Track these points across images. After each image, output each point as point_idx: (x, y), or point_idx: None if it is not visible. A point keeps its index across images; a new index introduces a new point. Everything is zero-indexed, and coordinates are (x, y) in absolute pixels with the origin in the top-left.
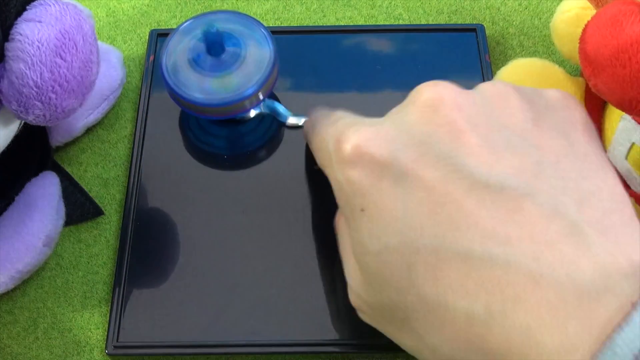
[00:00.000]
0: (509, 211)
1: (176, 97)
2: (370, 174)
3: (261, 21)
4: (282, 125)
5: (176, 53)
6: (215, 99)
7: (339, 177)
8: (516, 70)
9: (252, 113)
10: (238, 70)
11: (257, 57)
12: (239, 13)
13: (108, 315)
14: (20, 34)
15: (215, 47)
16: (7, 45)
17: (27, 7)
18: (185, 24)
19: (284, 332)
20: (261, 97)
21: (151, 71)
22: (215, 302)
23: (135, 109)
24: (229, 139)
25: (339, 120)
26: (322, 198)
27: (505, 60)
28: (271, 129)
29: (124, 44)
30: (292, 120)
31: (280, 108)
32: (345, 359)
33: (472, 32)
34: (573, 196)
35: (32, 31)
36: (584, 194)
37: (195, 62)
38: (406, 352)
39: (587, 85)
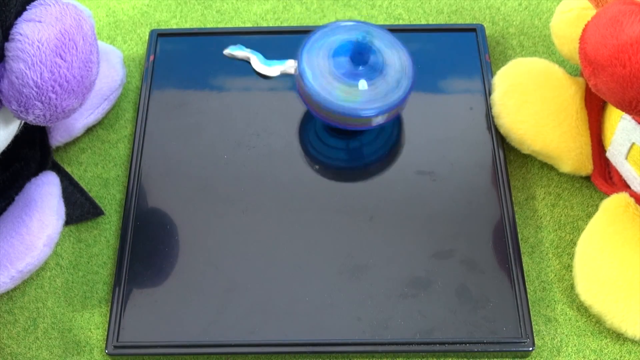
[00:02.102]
0: None
1: (305, 94)
2: None
3: (261, 21)
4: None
5: (319, 50)
6: (337, 105)
7: None
8: (516, 70)
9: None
10: (371, 87)
11: (392, 80)
12: (392, 33)
13: (108, 315)
14: (20, 34)
15: (360, 58)
16: (7, 45)
17: (27, 7)
18: (339, 25)
19: (284, 332)
20: (382, 120)
21: (151, 71)
22: (215, 302)
23: (135, 109)
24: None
25: None
26: (323, 198)
27: (505, 60)
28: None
29: (124, 44)
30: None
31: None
32: (346, 358)
33: (472, 32)
34: None
35: (32, 31)
36: None
37: (334, 64)
38: (406, 352)
39: (587, 85)
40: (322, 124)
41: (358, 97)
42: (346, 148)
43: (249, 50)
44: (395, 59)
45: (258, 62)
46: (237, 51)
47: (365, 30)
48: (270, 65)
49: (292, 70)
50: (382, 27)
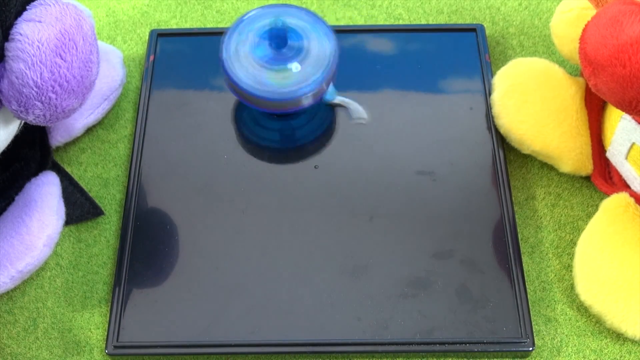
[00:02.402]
0: None
1: (234, 87)
2: None
3: None
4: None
5: (237, 44)
6: (270, 92)
7: None
8: (516, 70)
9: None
10: (297, 66)
11: (317, 56)
12: (302, 8)
13: (108, 315)
14: (20, 34)
15: (279, 41)
16: (7, 45)
17: (27, 7)
18: (249, 15)
19: (284, 332)
20: (316, 96)
21: (151, 71)
22: (215, 302)
23: (135, 109)
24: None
25: None
26: (323, 198)
27: (505, 60)
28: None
29: (124, 44)
30: (338, 99)
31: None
32: (346, 358)
33: (472, 32)
34: None
35: (32, 31)
36: None
37: (256, 54)
38: (406, 352)
39: (587, 85)
40: (323, 123)
41: (290, 79)
42: (347, 148)
43: None
44: (314, 32)
45: None
46: None
47: (277, 14)
48: None
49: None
50: (295, 6)
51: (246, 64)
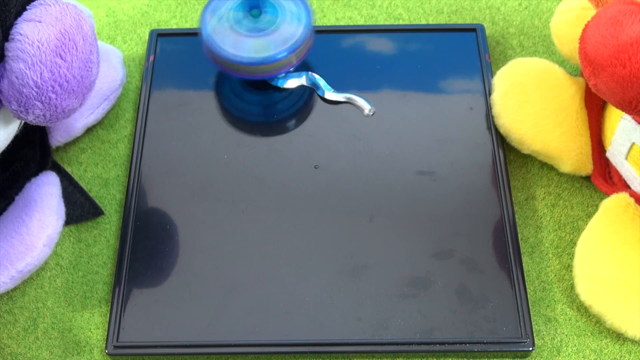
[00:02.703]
0: None
1: (213, 54)
2: None
3: None
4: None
5: (217, 14)
6: (249, 58)
7: None
8: (516, 70)
9: (294, 84)
10: (275, 33)
11: (293, 23)
12: None
13: (108, 315)
14: (20, 34)
15: (255, 9)
16: (7, 45)
17: (27, 7)
18: None
19: (284, 332)
20: (294, 61)
21: (151, 71)
22: (215, 302)
23: (135, 109)
24: (260, 105)
25: None
26: (323, 198)
27: (505, 60)
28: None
29: (124, 44)
30: (330, 95)
31: (321, 82)
32: (346, 358)
33: (472, 32)
34: None
35: (32, 31)
36: None
37: (235, 23)
38: (406, 352)
39: (587, 85)
40: (324, 123)
41: (270, 44)
42: (347, 148)
43: None
44: (291, 2)
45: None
46: None
47: None
48: (288, 79)
49: (307, 82)
50: None
51: (225, 33)
